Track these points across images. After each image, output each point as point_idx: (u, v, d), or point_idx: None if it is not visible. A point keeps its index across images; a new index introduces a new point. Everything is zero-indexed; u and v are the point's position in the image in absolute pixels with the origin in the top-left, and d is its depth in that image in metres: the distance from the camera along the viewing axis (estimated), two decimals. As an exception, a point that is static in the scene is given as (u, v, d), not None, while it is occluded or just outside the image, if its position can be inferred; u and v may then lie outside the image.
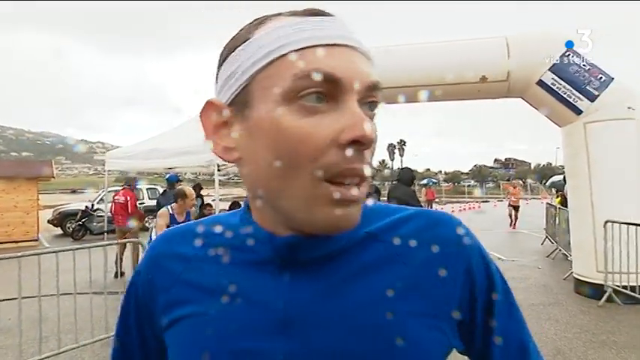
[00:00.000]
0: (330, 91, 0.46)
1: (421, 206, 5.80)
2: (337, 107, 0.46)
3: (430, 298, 0.48)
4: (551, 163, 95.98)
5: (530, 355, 0.59)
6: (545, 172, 77.22)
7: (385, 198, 6.40)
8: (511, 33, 6.12)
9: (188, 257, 0.58)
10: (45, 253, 3.93)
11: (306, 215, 0.47)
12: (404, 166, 6.21)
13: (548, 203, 11.29)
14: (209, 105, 0.53)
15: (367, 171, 0.48)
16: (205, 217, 0.65)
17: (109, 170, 9.22)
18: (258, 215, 0.55)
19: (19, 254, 3.70)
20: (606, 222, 5.22)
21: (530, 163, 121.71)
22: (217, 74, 0.54)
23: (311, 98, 0.46)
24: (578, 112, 5.61)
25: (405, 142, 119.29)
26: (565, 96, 5.63)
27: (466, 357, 0.60)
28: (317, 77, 0.45)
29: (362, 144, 0.46)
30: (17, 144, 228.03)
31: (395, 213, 0.59)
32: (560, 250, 8.43)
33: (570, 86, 5.59)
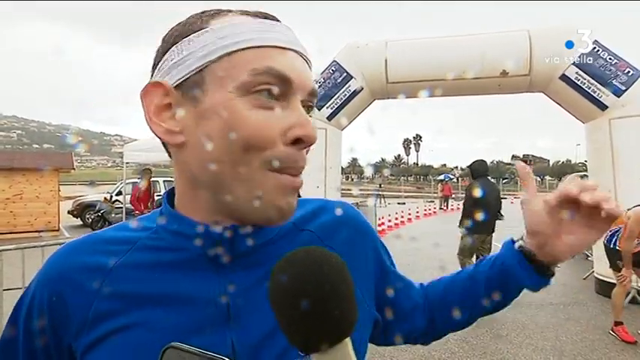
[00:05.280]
0: (281, 90, 0.50)
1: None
2: (286, 106, 0.50)
3: (353, 273, 0.47)
4: (570, 160, 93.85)
5: (413, 284, 0.76)
6: (564, 170, 75.64)
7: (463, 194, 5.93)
8: (533, 26, 5.96)
9: (107, 267, 0.54)
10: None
11: (256, 202, 0.50)
12: (477, 159, 5.50)
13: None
14: (154, 85, 0.52)
15: (304, 166, 0.52)
16: (120, 222, 0.63)
17: (127, 162, 9.38)
18: (191, 209, 0.55)
19: (43, 244, 3.79)
20: (631, 221, 5.06)
21: (548, 160, 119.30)
22: (161, 57, 0.53)
23: (264, 94, 0.49)
24: (603, 107, 5.45)
25: (420, 137, 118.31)
26: (589, 91, 5.48)
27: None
28: (272, 75, 0.49)
29: (305, 142, 0.50)
30: (39, 136, 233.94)
31: (307, 204, 0.65)
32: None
33: (595, 81, 5.44)
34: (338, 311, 0.39)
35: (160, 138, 0.53)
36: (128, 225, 0.60)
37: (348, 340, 0.40)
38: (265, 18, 0.53)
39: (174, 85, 0.51)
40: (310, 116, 0.54)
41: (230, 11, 0.54)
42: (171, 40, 0.53)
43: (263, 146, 0.49)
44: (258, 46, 0.50)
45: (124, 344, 0.51)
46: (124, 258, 0.55)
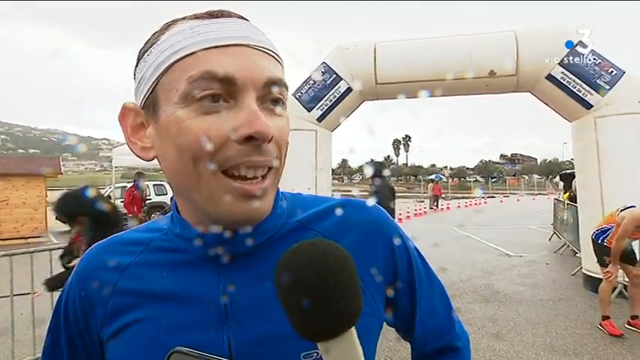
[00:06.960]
0: (227, 90, 0.49)
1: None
2: (236, 105, 0.49)
3: (361, 276, 0.47)
4: (558, 159, 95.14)
5: (454, 323, 0.70)
6: (551, 168, 76.63)
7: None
8: (520, 27, 6.06)
9: (123, 266, 0.59)
10: (57, 249, 3.96)
11: (214, 208, 0.51)
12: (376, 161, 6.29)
13: (556, 199, 11.21)
14: (125, 109, 0.56)
15: (270, 163, 0.51)
16: (138, 225, 0.67)
17: (116, 167, 9.27)
18: (186, 213, 0.58)
19: (32, 250, 3.73)
20: (617, 217, 5.15)
21: (536, 159, 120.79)
22: (134, 77, 0.56)
23: (207, 99, 0.48)
24: (589, 106, 5.55)
25: (410, 138, 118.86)
26: (575, 90, 5.58)
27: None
28: (210, 79, 0.48)
29: (257, 139, 0.48)
30: (24, 141, 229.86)
31: (322, 203, 0.64)
32: (568, 246, 8.38)
33: (580, 80, 5.54)
34: (343, 302, 0.39)
35: (137, 155, 0.56)
36: (149, 226, 0.65)
37: (352, 330, 0.41)
38: (212, 17, 0.52)
39: (141, 105, 0.54)
40: (280, 112, 0.53)
41: (180, 19, 0.54)
42: (137, 59, 0.55)
43: (209, 152, 0.48)
44: (195, 52, 0.49)
45: (134, 337, 0.56)
46: (139, 258, 0.60)
